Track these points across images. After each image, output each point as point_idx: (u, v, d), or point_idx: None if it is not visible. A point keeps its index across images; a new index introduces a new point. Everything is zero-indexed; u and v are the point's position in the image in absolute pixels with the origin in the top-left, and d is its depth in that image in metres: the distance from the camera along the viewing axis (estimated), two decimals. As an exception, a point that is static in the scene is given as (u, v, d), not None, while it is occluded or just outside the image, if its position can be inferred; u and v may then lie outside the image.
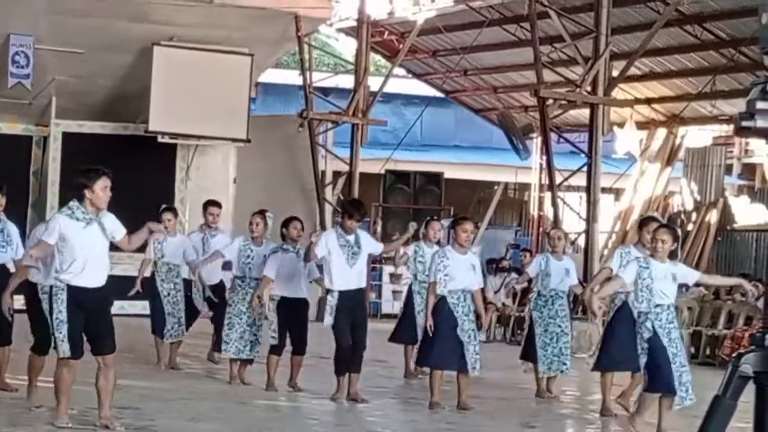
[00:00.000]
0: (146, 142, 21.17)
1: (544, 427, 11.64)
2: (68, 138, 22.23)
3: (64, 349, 8.85)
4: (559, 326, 13.08)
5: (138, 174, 20.90)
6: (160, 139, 21.34)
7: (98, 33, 20.35)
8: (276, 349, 12.33)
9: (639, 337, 10.16)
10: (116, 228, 8.97)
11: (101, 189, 8.87)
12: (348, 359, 11.67)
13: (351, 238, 11.62)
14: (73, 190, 9.10)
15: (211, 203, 14.42)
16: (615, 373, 11.74)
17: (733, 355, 3.33)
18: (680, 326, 11.68)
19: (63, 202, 21.30)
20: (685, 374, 10.02)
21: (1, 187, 10.92)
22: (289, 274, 12.19)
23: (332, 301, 11.51)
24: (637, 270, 10.11)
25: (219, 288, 14.02)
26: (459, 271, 11.56)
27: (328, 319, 11.52)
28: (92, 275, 8.85)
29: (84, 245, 8.79)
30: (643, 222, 11.73)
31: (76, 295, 8.80)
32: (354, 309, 11.62)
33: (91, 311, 8.90)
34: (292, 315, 12.21)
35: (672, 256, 10.39)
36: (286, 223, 12.58)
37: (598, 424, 11.53)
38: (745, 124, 3.30)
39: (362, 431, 10.44)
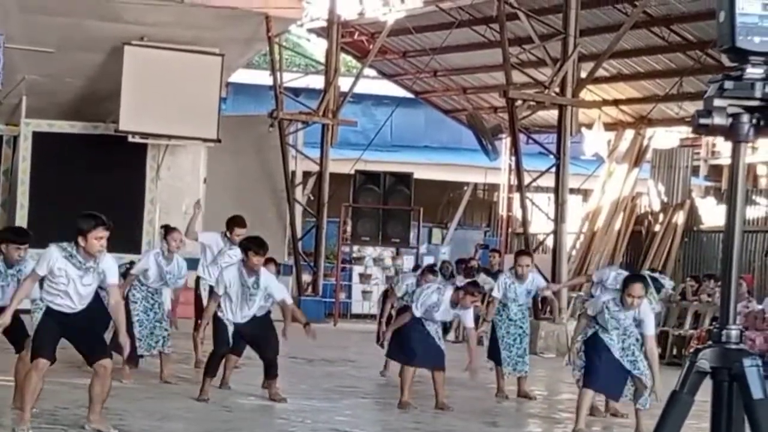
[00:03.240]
0: (116, 142, 21.15)
1: (511, 426, 11.74)
2: (38, 137, 22.17)
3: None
4: (520, 327, 13.30)
5: (108, 174, 20.94)
6: (130, 139, 21.31)
7: (69, 32, 20.32)
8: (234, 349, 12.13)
9: None
10: (110, 272, 8.96)
11: (95, 238, 8.78)
12: (219, 363, 11.78)
13: (251, 279, 11.42)
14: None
15: (238, 224, 14.15)
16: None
17: (691, 350, 3.42)
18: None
19: (32, 201, 21.39)
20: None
21: None
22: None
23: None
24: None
25: None
26: None
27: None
28: (74, 306, 8.92)
29: (74, 288, 8.83)
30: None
31: (54, 313, 8.88)
32: (248, 325, 11.61)
33: (72, 326, 8.90)
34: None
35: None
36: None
37: (566, 424, 11.62)
38: (702, 121, 3.36)
39: (331, 430, 10.50)
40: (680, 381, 3.41)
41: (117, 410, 10.11)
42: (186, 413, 10.82)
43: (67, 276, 8.76)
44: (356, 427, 10.86)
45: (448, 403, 11.89)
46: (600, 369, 10.57)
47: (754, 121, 3.33)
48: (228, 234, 13.82)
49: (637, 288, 10.61)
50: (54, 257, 8.76)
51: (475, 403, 12.82)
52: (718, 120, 3.34)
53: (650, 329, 10.70)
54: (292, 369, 14.30)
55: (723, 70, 3.43)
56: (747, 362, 3.34)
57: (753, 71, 3.32)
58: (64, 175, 21.55)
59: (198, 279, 14.11)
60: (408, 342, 11.81)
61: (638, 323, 10.62)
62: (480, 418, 11.74)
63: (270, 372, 11.85)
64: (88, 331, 9.03)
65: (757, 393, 3.31)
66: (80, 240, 8.70)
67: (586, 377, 10.62)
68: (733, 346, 3.39)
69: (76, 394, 9.76)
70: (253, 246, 11.47)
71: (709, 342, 3.44)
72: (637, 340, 10.69)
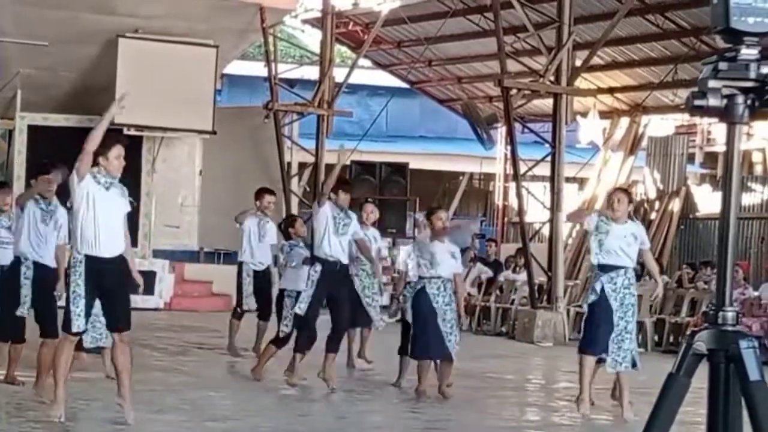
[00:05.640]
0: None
1: (508, 416, 11.73)
2: (33, 131, 22.17)
3: (79, 324, 8.77)
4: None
5: (103, 166, 20.84)
6: (125, 132, 21.29)
7: (63, 25, 20.31)
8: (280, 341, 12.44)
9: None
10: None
11: (115, 157, 9.04)
12: (311, 342, 11.97)
13: (342, 213, 12.00)
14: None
15: (266, 191, 14.60)
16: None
17: (687, 333, 3.41)
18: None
19: (28, 194, 21.36)
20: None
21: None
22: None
23: (314, 275, 11.70)
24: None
25: (266, 273, 14.37)
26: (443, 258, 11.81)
27: (308, 292, 11.70)
28: (110, 244, 8.90)
29: (104, 209, 8.88)
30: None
31: (93, 267, 8.77)
32: (337, 284, 11.87)
33: (107, 287, 8.88)
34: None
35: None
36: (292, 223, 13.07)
37: (563, 412, 11.63)
38: (697, 102, 3.35)
39: (332, 418, 10.50)
40: (677, 363, 3.40)
41: (114, 402, 10.08)
42: (183, 405, 10.81)
43: (98, 197, 8.91)
44: (351, 415, 10.85)
45: (448, 392, 11.87)
46: (598, 333, 10.52)
47: (748, 102, 3.32)
48: (258, 204, 14.07)
49: (618, 192, 10.80)
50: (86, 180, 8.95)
51: (472, 392, 12.82)
52: (712, 101, 3.34)
53: (647, 243, 11.05)
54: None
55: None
56: (744, 344, 3.34)
57: (747, 52, 3.31)
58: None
59: (240, 264, 14.18)
60: (421, 335, 11.81)
61: (637, 238, 10.72)
62: (476, 408, 11.74)
63: (332, 344, 11.96)
64: (118, 297, 9.01)
65: (753, 375, 3.30)
66: (101, 160, 8.99)
67: (582, 343, 10.65)
68: (730, 328, 3.38)
69: (74, 387, 9.74)
70: (343, 185, 12.25)
71: (706, 324, 3.43)
72: (633, 307, 10.69)
